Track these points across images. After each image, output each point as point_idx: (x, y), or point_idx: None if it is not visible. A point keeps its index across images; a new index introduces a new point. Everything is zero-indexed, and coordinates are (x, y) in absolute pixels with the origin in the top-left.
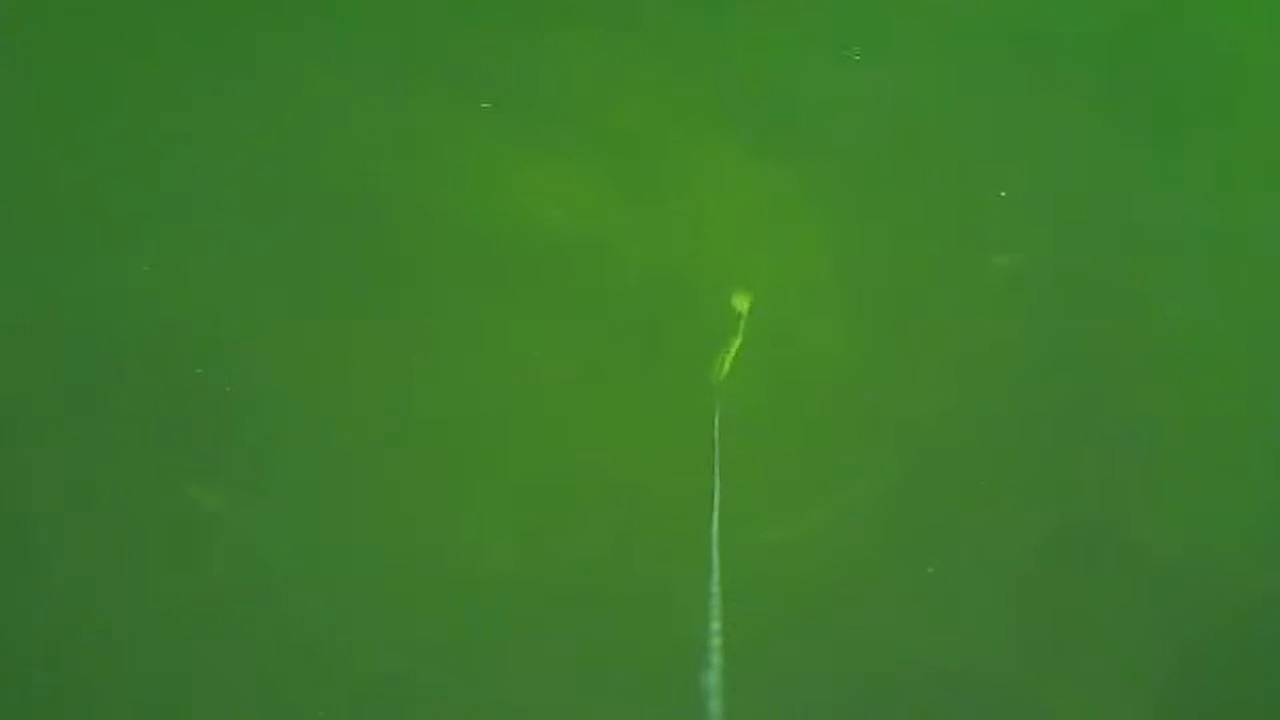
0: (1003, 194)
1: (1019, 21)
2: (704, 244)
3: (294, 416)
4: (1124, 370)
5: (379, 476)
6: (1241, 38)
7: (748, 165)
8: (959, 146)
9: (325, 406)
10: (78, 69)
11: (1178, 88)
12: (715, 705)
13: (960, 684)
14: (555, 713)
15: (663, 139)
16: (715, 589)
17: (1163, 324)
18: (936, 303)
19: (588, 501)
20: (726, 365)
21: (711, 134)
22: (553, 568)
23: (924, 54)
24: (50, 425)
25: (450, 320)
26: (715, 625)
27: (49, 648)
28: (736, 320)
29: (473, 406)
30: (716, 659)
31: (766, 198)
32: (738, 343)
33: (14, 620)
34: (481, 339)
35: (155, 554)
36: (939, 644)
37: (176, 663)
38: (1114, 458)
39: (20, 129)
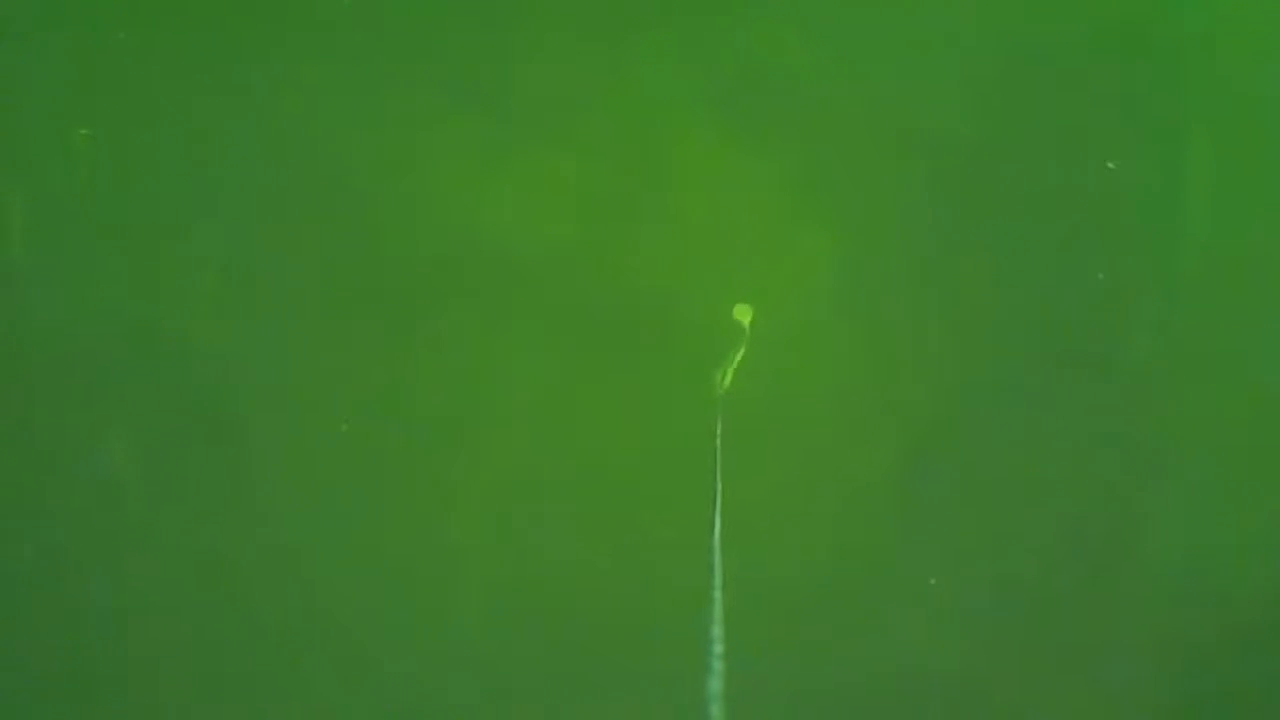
0: (1002, 196)
1: (1018, 20)
2: (704, 249)
3: (288, 425)
4: (1126, 376)
5: (379, 482)
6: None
7: (747, 169)
8: (957, 147)
9: (324, 417)
10: (73, 71)
11: (1175, 88)
12: (718, 710)
13: (961, 691)
14: (559, 717)
15: (661, 144)
16: (718, 595)
17: (1164, 327)
18: (936, 308)
19: (590, 508)
20: (729, 377)
21: (709, 138)
22: (556, 573)
23: (922, 53)
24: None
25: (448, 330)
26: (718, 630)
27: (49, 649)
28: (739, 331)
29: (473, 414)
30: (719, 664)
31: (764, 201)
32: (739, 354)
33: (14, 621)
34: (481, 347)
35: (152, 554)
36: (941, 651)
37: (174, 662)
38: (1116, 463)
39: (18, 134)
